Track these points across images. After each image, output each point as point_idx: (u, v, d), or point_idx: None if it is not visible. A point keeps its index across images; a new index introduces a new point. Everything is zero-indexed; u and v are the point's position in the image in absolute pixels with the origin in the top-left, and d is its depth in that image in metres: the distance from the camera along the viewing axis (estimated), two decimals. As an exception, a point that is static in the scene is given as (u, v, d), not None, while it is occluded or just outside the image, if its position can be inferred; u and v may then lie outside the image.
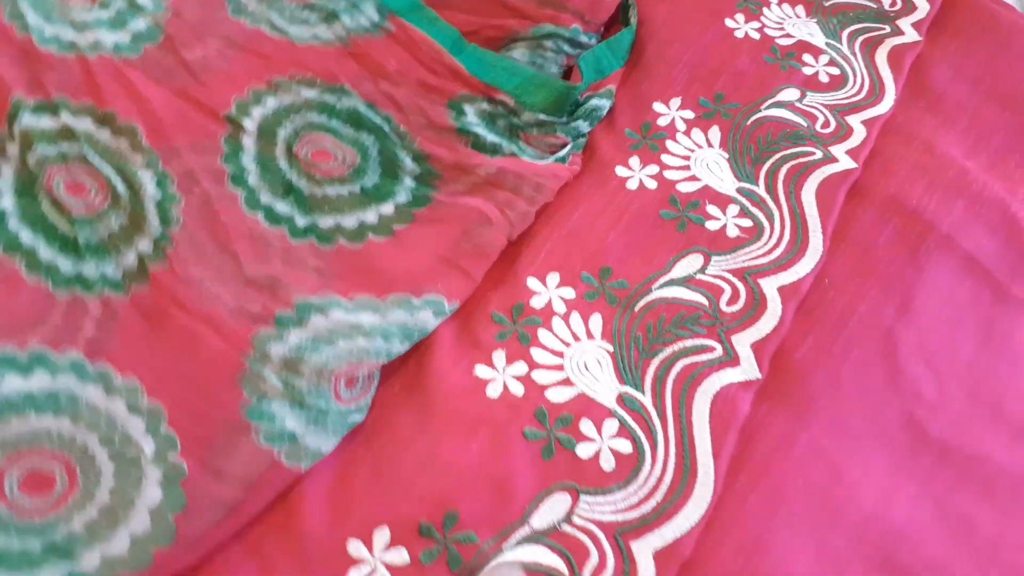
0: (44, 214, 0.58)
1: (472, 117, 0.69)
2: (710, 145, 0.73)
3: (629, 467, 0.55)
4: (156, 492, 0.49)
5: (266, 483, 0.51)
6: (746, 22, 0.84)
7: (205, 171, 0.62)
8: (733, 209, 0.69)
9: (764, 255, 0.66)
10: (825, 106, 0.77)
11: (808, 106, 0.77)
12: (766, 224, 0.68)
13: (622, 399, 0.58)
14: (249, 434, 0.51)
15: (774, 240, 0.67)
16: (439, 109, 0.69)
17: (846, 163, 0.72)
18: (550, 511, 0.53)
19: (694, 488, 0.54)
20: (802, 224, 0.68)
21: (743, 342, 0.61)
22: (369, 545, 0.51)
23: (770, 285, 0.64)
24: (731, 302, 0.63)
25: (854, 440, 0.60)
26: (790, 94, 0.78)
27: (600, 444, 0.56)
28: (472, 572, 0.50)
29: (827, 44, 0.83)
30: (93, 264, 0.57)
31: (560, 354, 0.60)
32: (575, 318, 0.62)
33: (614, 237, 0.67)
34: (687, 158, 0.72)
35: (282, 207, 0.62)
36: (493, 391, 0.58)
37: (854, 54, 0.83)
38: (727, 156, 0.73)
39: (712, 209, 0.69)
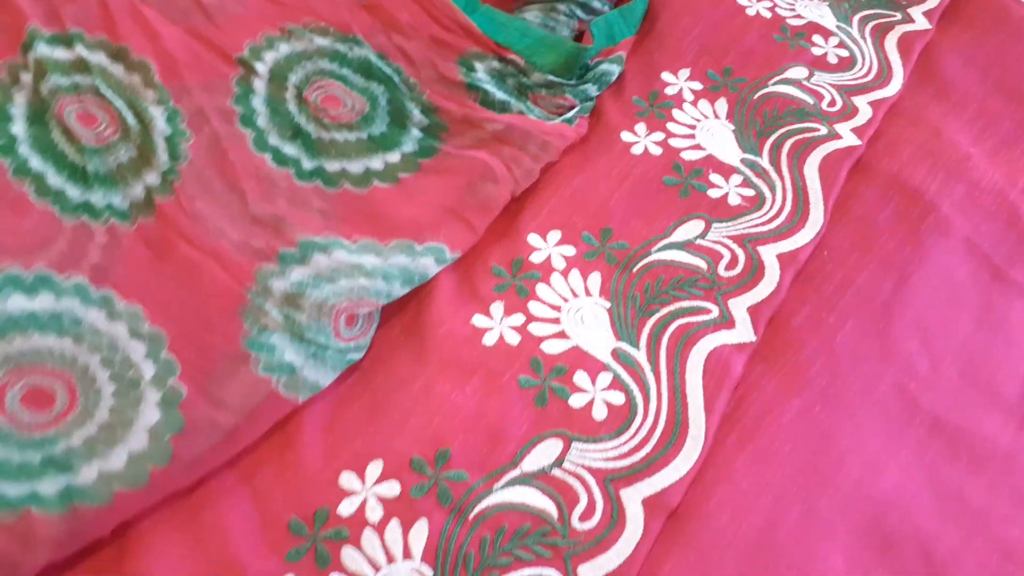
0: (54, 142, 0.59)
1: (482, 74, 0.70)
2: (716, 116, 0.74)
3: (621, 418, 0.56)
4: (154, 413, 0.49)
5: (263, 411, 0.51)
6: (758, 1, 0.84)
7: (215, 110, 0.62)
8: (736, 179, 0.69)
9: (764, 223, 0.67)
10: (832, 86, 0.78)
11: (815, 85, 0.78)
12: (768, 194, 0.69)
13: (616, 354, 0.59)
14: (248, 364, 0.52)
15: (775, 210, 0.68)
16: (450, 65, 0.69)
17: (850, 140, 0.73)
18: (541, 456, 0.54)
19: (685, 441, 0.55)
20: (803, 196, 0.69)
21: (739, 305, 0.62)
22: (362, 477, 0.51)
23: (769, 252, 0.65)
24: (730, 267, 0.64)
25: (846, 408, 0.60)
26: (798, 72, 0.78)
27: (593, 394, 0.56)
28: (462, 509, 0.50)
29: (837, 27, 0.83)
30: (100, 193, 0.57)
31: (557, 308, 0.61)
32: (574, 275, 0.62)
33: (616, 199, 0.67)
34: (693, 127, 0.73)
35: (289, 149, 0.63)
36: (489, 339, 0.58)
37: (864, 38, 0.83)
38: (732, 128, 0.73)
39: (715, 178, 0.69)
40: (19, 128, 0.59)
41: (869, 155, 0.74)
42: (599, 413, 0.56)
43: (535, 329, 0.59)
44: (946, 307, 0.67)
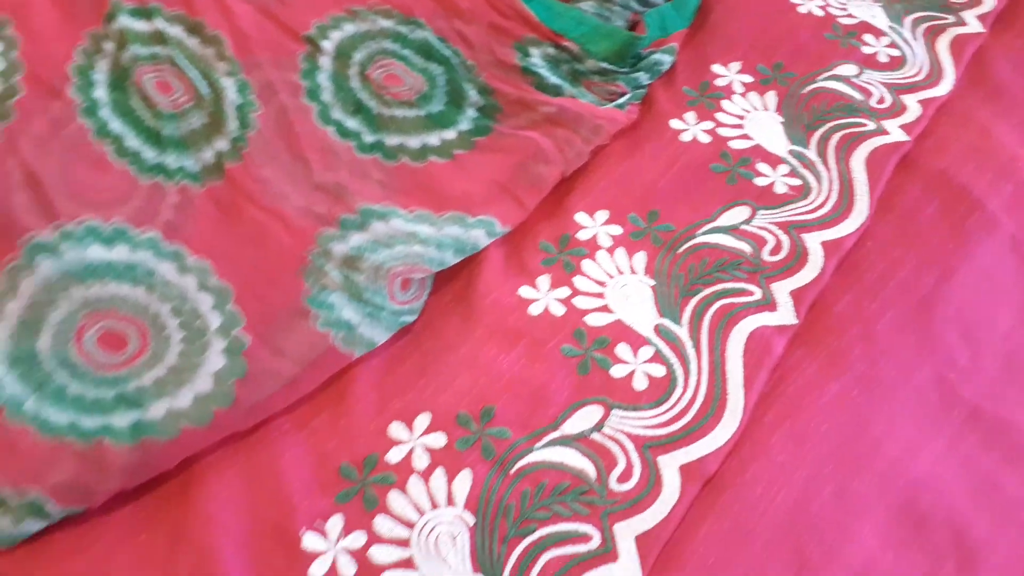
0: (133, 107, 0.62)
1: (537, 59, 0.72)
2: (765, 109, 0.75)
3: (661, 389, 0.57)
4: (220, 359, 0.53)
5: (321, 363, 0.54)
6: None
7: (283, 84, 0.66)
8: (783, 168, 0.71)
9: (810, 212, 0.68)
10: (882, 83, 0.79)
11: (865, 82, 0.79)
12: (814, 184, 0.70)
13: (659, 329, 0.60)
14: (308, 319, 0.55)
15: (821, 199, 0.69)
16: (506, 49, 0.72)
17: (898, 136, 0.74)
18: (582, 420, 0.55)
19: (723, 415, 0.56)
20: (849, 188, 0.70)
21: (782, 289, 0.63)
22: (410, 427, 0.54)
23: (814, 239, 0.66)
24: (774, 252, 0.65)
25: (884, 394, 0.61)
26: (848, 69, 0.79)
27: (634, 366, 0.58)
28: (504, 464, 0.52)
29: (889, 27, 0.84)
30: (174, 156, 0.61)
31: (602, 283, 0.63)
32: (620, 253, 0.64)
33: (664, 184, 0.69)
34: (741, 118, 0.74)
35: (352, 123, 0.66)
36: (535, 310, 0.61)
37: (916, 39, 0.84)
38: (781, 120, 0.74)
39: (762, 167, 0.71)
40: (101, 93, 0.63)
41: (917, 152, 0.74)
42: (639, 383, 0.58)
43: (580, 302, 0.61)
44: (988, 302, 0.67)
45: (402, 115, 0.67)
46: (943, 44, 0.84)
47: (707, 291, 0.63)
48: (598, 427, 0.55)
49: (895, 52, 0.82)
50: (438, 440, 0.53)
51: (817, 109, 0.75)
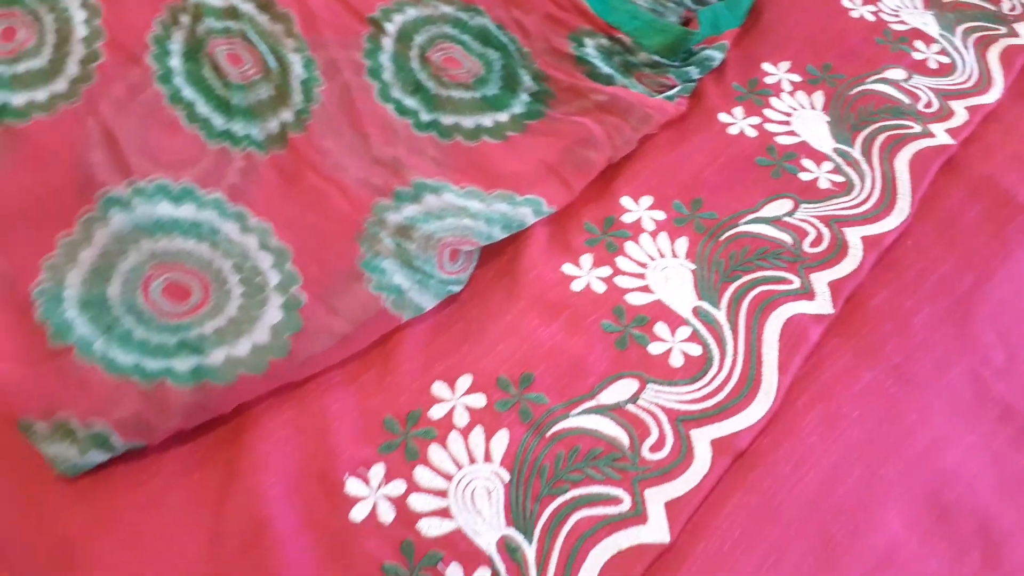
0: (205, 77, 0.66)
1: (591, 49, 0.74)
2: (812, 108, 0.77)
3: (697, 367, 0.59)
4: (277, 313, 0.56)
5: (372, 324, 0.57)
6: (863, 4, 0.86)
7: (347, 62, 0.69)
8: (828, 165, 0.72)
9: (852, 207, 0.69)
10: (930, 88, 0.80)
11: (913, 86, 0.80)
12: (857, 182, 0.71)
13: (697, 311, 0.62)
14: (362, 282, 0.58)
15: (863, 196, 0.70)
16: (561, 39, 0.74)
17: (944, 139, 0.75)
18: (618, 391, 0.57)
19: (756, 395, 0.58)
20: (892, 187, 0.71)
21: (821, 280, 0.64)
22: (452, 387, 0.56)
23: (854, 234, 0.67)
24: (815, 244, 0.67)
25: (917, 386, 0.62)
26: (896, 73, 0.80)
27: (672, 344, 0.60)
28: (540, 427, 0.55)
29: (940, 35, 0.85)
30: (241, 124, 0.64)
31: (644, 265, 0.64)
32: (662, 237, 0.66)
33: (709, 174, 0.71)
34: (789, 115, 0.76)
35: (410, 102, 0.69)
36: (577, 286, 0.63)
37: (966, 47, 0.85)
38: (827, 119, 0.76)
39: (807, 163, 0.72)
40: (176, 62, 0.66)
41: (962, 156, 0.75)
42: (676, 361, 0.59)
43: (621, 282, 0.63)
44: (1027, 305, 0.68)
45: (458, 96, 0.70)
46: (994, 54, 0.85)
47: (747, 277, 0.64)
48: (633, 399, 0.57)
49: (945, 59, 0.83)
50: (478, 400, 0.56)
51: (864, 110, 0.77)
